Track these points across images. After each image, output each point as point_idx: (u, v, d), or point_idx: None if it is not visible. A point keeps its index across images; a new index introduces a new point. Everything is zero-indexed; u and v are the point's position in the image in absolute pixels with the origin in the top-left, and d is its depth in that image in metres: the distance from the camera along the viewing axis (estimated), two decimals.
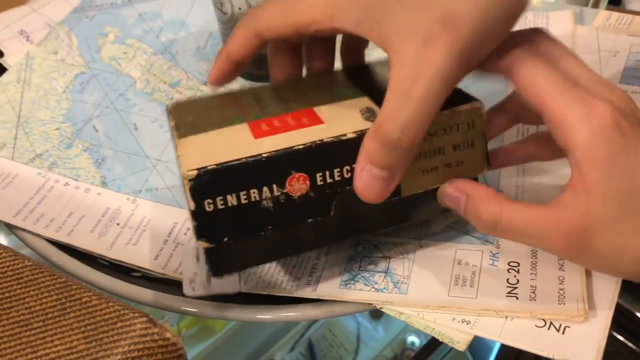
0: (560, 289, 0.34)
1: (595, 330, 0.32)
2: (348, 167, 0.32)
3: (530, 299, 0.34)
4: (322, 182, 0.32)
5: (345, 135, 0.31)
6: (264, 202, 0.31)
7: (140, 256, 0.39)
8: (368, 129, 0.30)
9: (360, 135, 0.31)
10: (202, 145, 0.31)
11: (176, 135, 0.33)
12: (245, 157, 0.30)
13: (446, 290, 0.35)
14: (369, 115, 0.32)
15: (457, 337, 0.33)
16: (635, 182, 0.29)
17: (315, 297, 0.36)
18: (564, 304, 0.33)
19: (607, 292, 0.34)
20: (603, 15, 0.51)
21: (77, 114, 0.48)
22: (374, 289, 0.36)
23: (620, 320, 0.64)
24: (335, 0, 0.31)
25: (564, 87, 0.29)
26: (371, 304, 0.34)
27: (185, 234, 0.40)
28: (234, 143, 0.31)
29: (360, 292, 0.36)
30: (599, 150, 0.28)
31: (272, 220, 0.32)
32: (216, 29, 0.55)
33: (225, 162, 0.30)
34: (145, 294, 0.36)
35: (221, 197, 0.30)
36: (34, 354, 0.26)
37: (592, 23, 0.51)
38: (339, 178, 0.32)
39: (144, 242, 0.40)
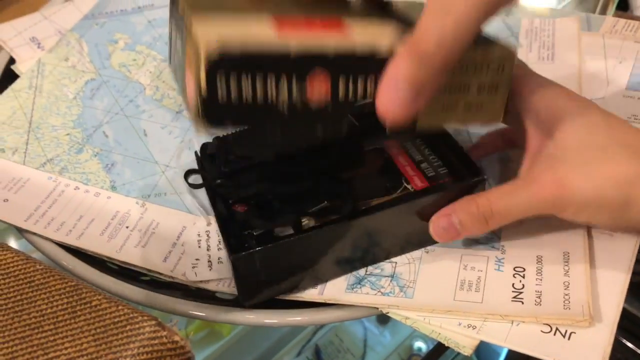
0: (566, 294, 0.34)
1: (600, 335, 0.32)
2: (373, 78, 0.30)
3: (535, 304, 0.34)
4: (343, 93, 0.30)
5: (376, 44, 0.29)
6: (280, 106, 0.29)
7: (149, 258, 0.39)
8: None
9: (393, 48, 0.29)
10: (221, 26, 0.28)
11: (189, 12, 0.29)
12: (270, 43, 0.27)
13: (452, 295, 0.35)
14: (401, 33, 0.31)
15: (463, 341, 0.33)
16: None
17: (322, 301, 0.36)
18: (569, 308, 0.33)
19: (613, 297, 0.34)
20: (610, 22, 0.52)
21: (88, 119, 0.49)
22: (380, 293, 0.36)
23: (628, 326, 0.64)
24: None
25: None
26: (377, 308, 0.35)
27: (198, 240, 0.40)
28: (258, 32, 0.28)
29: (367, 295, 0.36)
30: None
31: (284, 122, 0.30)
32: None
33: (249, 44, 0.27)
34: (154, 298, 0.36)
35: (235, 78, 0.27)
36: (45, 356, 0.26)
37: (599, 30, 0.51)
38: (361, 90, 0.30)
39: (153, 244, 0.40)
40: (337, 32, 0.30)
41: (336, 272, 0.37)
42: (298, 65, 0.28)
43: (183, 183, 0.44)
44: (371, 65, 0.29)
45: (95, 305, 0.26)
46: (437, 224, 0.35)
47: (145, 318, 0.26)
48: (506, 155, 0.43)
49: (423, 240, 0.37)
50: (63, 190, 0.43)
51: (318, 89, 0.29)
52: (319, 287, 0.37)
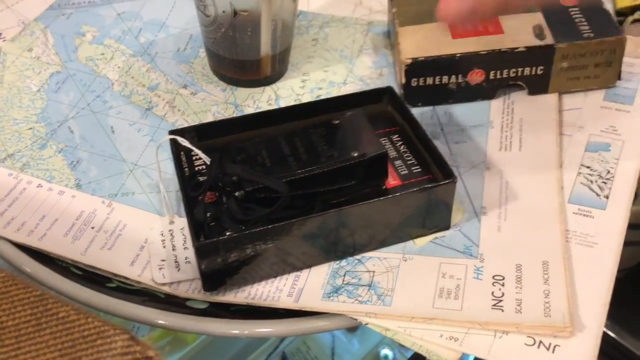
0: (546, 302, 0.34)
1: (585, 349, 0.32)
2: (514, 70, 0.45)
3: (516, 312, 0.34)
4: (493, 77, 0.45)
5: (517, 48, 0.44)
6: (450, 85, 0.45)
7: (115, 262, 0.37)
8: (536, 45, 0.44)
9: (529, 49, 0.44)
10: (415, 37, 0.45)
11: (397, 24, 0.47)
12: (443, 54, 0.44)
13: (431, 302, 0.35)
14: (539, 33, 0.44)
15: (445, 354, 0.32)
16: None
17: (297, 309, 0.35)
18: (550, 316, 0.33)
19: (595, 307, 0.33)
20: None
21: (52, 114, 0.47)
22: (357, 301, 0.35)
23: (608, 350, 0.64)
24: None
25: None
26: (356, 319, 0.34)
27: (162, 240, 0.39)
28: (438, 40, 0.45)
29: (344, 304, 0.35)
30: None
31: (454, 95, 0.46)
32: (197, 31, 0.54)
33: (430, 56, 0.44)
34: (121, 306, 0.34)
35: (423, 78, 0.45)
36: None
37: None
38: (506, 75, 0.45)
39: (119, 247, 0.38)
40: (494, 33, 0.45)
41: (306, 261, 0.37)
42: (462, 67, 0.45)
43: (151, 182, 0.42)
44: (513, 61, 0.45)
45: (63, 317, 0.24)
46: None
47: (118, 332, 0.24)
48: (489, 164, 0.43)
49: (397, 236, 0.38)
50: (24, 187, 0.41)
51: (475, 78, 0.45)
52: (295, 294, 0.36)
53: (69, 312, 0.24)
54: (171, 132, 0.40)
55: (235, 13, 0.45)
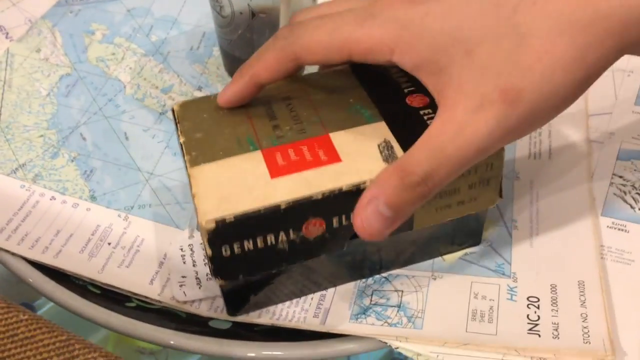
0: (584, 327, 0.33)
1: None
2: None
3: (553, 337, 0.32)
4: (338, 225, 0.31)
5: (364, 182, 0.30)
6: (280, 245, 0.31)
7: (134, 281, 0.36)
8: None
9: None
10: (217, 182, 0.30)
11: (188, 161, 0.32)
12: (263, 207, 0.29)
13: (464, 326, 0.33)
14: (388, 154, 0.31)
15: None
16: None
17: (325, 331, 0.34)
18: (590, 343, 0.32)
19: (635, 334, 0.32)
20: None
21: (63, 120, 0.45)
22: (387, 324, 0.34)
23: None
24: (401, 33, 0.28)
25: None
26: (386, 343, 0.32)
27: (182, 256, 0.37)
28: (251, 183, 0.30)
29: (373, 326, 0.34)
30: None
31: (287, 258, 0.32)
32: (210, 28, 0.52)
33: (243, 213, 0.29)
34: (142, 327, 0.33)
35: (238, 243, 0.30)
36: None
37: None
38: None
39: (138, 264, 0.37)
40: (328, 162, 0.31)
41: (333, 280, 0.36)
42: (292, 220, 0.30)
43: (168, 193, 0.41)
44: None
45: None
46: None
47: None
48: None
49: (426, 252, 0.37)
50: (37, 200, 0.40)
51: (314, 230, 0.31)
52: (321, 315, 0.34)
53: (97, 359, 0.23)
54: None
55: (253, 14, 0.43)
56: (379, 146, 0.31)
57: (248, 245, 0.30)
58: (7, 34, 0.51)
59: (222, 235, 0.29)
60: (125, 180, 0.42)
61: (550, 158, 0.42)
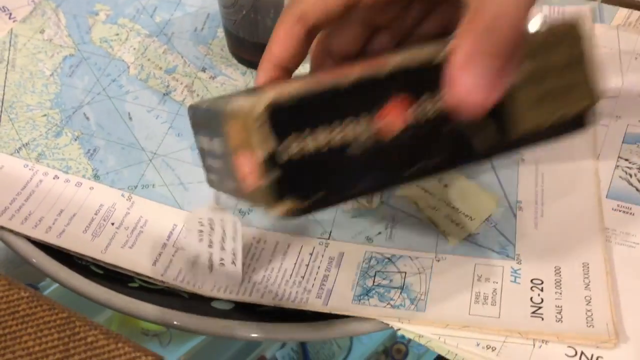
0: (588, 310, 0.32)
1: None
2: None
3: (556, 320, 0.32)
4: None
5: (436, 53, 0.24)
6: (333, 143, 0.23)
7: (137, 261, 0.36)
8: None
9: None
10: (269, 90, 0.23)
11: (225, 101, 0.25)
12: (326, 83, 0.23)
13: (467, 309, 0.33)
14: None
15: None
16: None
17: (327, 312, 0.34)
18: (593, 326, 0.32)
19: (638, 317, 0.32)
20: (623, 14, 0.49)
21: (67, 99, 0.45)
22: (389, 305, 0.34)
23: None
24: None
25: None
26: (388, 324, 0.32)
27: (185, 237, 0.37)
28: (306, 81, 0.24)
29: (375, 308, 0.34)
30: None
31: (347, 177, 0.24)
32: (215, 9, 0.51)
33: (302, 90, 0.22)
34: (144, 307, 0.33)
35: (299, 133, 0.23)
36: None
37: (612, 21, 0.49)
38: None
39: (141, 245, 0.37)
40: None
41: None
42: (362, 96, 0.23)
43: (172, 174, 0.41)
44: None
45: (91, 342, 0.23)
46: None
47: (149, 357, 0.22)
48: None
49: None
50: (41, 179, 0.40)
51: (391, 117, 0.24)
52: (323, 296, 0.34)
53: (97, 337, 0.23)
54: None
55: None
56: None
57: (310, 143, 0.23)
58: (11, 14, 0.50)
59: (280, 117, 0.22)
60: (129, 159, 0.42)
61: None
